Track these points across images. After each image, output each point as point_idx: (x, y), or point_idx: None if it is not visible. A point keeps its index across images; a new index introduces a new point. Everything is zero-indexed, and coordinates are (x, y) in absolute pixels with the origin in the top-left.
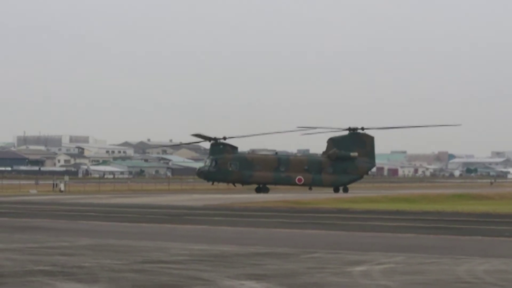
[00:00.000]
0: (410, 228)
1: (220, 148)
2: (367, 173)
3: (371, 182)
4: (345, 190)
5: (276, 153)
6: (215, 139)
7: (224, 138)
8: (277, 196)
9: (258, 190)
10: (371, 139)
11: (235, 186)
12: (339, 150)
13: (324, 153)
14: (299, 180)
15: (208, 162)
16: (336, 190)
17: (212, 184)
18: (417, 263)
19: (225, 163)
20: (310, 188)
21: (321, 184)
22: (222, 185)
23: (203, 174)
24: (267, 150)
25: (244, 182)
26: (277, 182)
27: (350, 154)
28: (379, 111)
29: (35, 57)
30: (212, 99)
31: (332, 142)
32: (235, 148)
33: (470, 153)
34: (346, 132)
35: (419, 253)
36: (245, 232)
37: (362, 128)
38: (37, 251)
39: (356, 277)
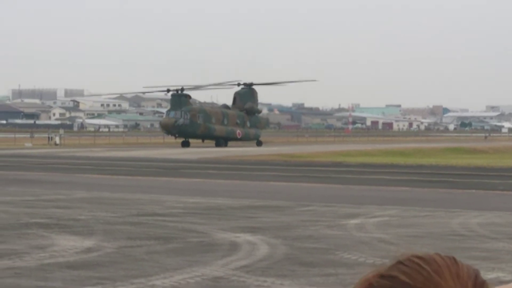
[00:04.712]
0: (405, 181)
1: (183, 99)
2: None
3: (365, 136)
4: (260, 144)
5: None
6: (176, 90)
7: (182, 89)
8: (270, 149)
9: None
10: (257, 94)
11: (187, 140)
12: (253, 105)
13: (234, 107)
14: (239, 134)
15: (179, 114)
16: (259, 144)
17: (176, 138)
18: (411, 216)
19: (194, 115)
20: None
21: (248, 138)
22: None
23: (177, 128)
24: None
25: (209, 136)
26: (227, 136)
27: (258, 109)
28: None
29: (31, 10)
30: (206, 53)
31: (239, 96)
32: (190, 98)
33: (465, 107)
34: (238, 87)
35: (413, 206)
36: (239, 185)
37: (252, 84)
38: (33, 204)
39: (351, 230)
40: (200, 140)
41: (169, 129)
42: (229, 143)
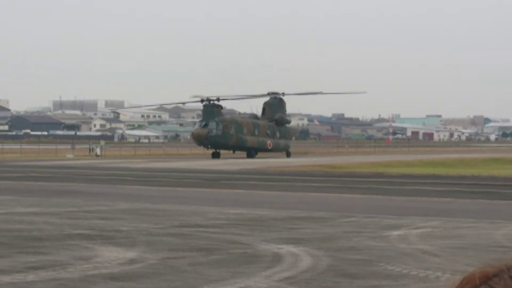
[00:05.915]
0: (447, 192)
1: (215, 110)
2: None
3: (406, 146)
4: (289, 155)
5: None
6: (208, 100)
7: (218, 100)
8: (310, 160)
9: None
10: (285, 105)
11: (217, 151)
12: (283, 115)
13: (263, 117)
14: (270, 144)
15: (211, 125)
16: (289, 155)
17: (207, 149)
18: (454, 227)
19: (227, 126)
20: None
21: (278, 149)
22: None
23: (210, 139)
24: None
25: (241, 147)
26: (259, 147)
27: (288, 119)
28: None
29: (71, 22)
30: (244, 63)
31: (268, 106)
32: (222, 109)
33: (506, 117)
34: (267, 97)
35: (456, 217)
36: (281, 196)
37: (283, 94)
38: (75, 215)
39: (393, 241)
40: (230, 151)
41: (202, 139)
42: (258, 154)
